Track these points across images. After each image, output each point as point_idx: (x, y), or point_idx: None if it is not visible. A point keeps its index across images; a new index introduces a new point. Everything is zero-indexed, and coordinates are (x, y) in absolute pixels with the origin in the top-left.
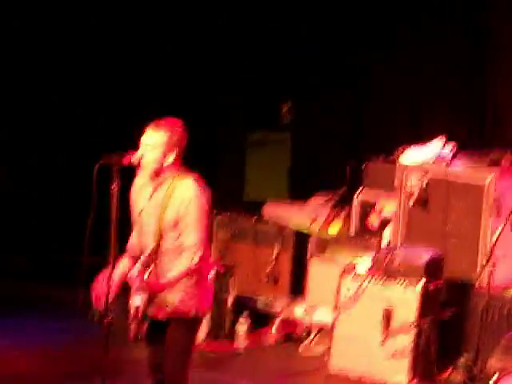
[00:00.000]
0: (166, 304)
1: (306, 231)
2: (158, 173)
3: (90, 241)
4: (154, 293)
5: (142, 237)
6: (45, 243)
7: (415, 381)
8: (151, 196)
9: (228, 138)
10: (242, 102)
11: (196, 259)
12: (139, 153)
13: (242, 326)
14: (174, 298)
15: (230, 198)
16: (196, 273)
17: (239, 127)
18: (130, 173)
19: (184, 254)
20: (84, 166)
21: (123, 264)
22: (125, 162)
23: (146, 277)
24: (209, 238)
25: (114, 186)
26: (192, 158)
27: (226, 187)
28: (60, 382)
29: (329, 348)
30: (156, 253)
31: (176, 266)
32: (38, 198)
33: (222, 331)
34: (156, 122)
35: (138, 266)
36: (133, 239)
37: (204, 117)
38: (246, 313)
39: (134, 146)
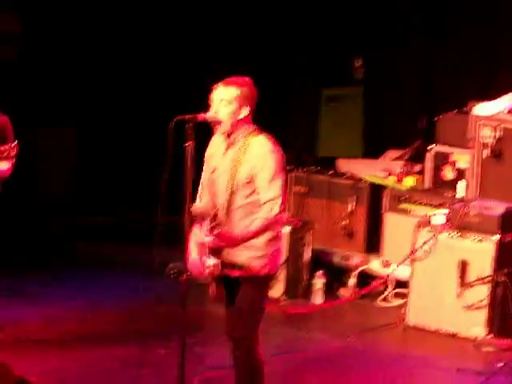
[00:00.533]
0: (237, 262)
1: (381, 183)
2: (232, 129)
3: (166, 200)
4: (229, 245)
5: (213, 195)
6: (120, 203)
7: (492, 334)
8: (225, 153)
9: (301, 95)
10: (315, 59)
11: (276, 210)
12: (213, 109)
13: (319, 280)
14: (245, 256)
15: (303, 154)
16: (271, 230)
17: (312, 84)
18: (204, 131)
19: (262, 207)
20: (158, 124)
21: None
22: (199, 118)
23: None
24: (285, 194)
25: (189, 144)
26: (266, 115)
27: (299, 143)
28: (137, 340)
29: (406, 301)
30: (227, 210)
31: (249, 222)
32: (110, 159)
33: (299, 285)
34: (225, 79)
35: (208, 224)
36: (199, 202)
37: (278, 74)
38: (322, 267)
39: (206, 104)
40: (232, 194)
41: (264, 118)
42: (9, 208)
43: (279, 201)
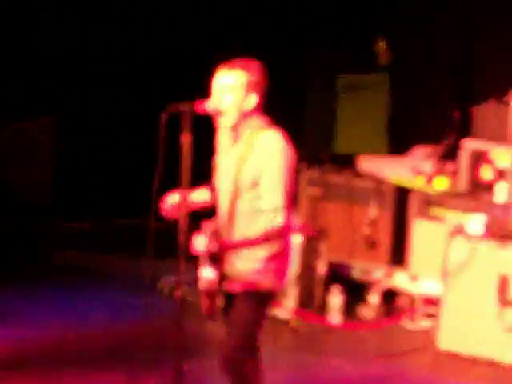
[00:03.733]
0: (238, 273)
1: (408, 185)
2: (238, 122)
3: (158, 203)
4: (225, 252)
5: (216, 197)
6: (108, 206)
7: None
8: (230, 150)
9: (316, 83)
10: (332, 41)
11: (276, 224)
12: (215, 97)
13: (336, 298)
14: (247, 267)
15: (319, 152)
16: (274, 242)
17: (329, 70)
18: (204, 123)
19: (263, 216)
20: (148, 114)
21: (202, 193)
22: (197, 109)
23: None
24: (292, 202)
25: (185, 138)
26: (275, 106)
27: (314, 139)
28: (125, 366)
29: (437, 322)
30: (230, 216)
31: (252, 230)
32: (93, 155)
33: (312, 303)
34: (230, 61)
35: (207, 231)
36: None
37: (289, 59)
38: (340, 282)
39: (206, 91)
40: (235, 197)
41: (273, 109)
42: None
43: (283, 210)
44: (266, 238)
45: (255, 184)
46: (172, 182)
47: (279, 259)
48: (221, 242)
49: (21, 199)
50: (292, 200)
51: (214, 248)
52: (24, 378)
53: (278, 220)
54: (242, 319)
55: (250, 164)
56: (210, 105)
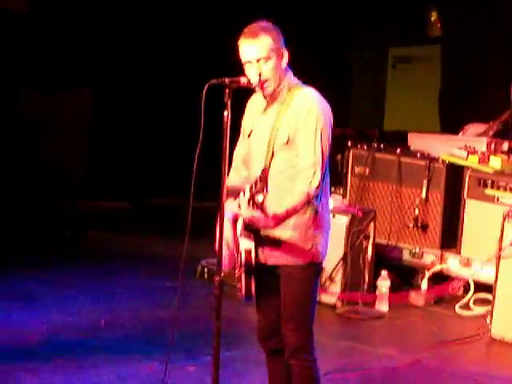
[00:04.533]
0: (275, 244)
1: (461, 164)
2: (279, 82)
3: (198, 182)
4: (264, 225)
5: (250, 160)
6: (146, 185)
7: None
8: (265, 111)
9: (364, 56)
10: (381, 12)
11: (315, 183)
12: (255, 72)
13: (384, 282)
14: (284, 236)
15: (366, 128)
16: (312, 205)
17: (377, 41)
18: (244, 98)
19: (299, 176)
20: (192, 91)
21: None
22: (241, 83)
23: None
24: (328, 160)
25: (227, 114)
26: (320, 80)
27: (362, 115)
28: (161, 353)
29: (490, 308)
30: (266, 177)
31: (289, 192)
32: (128, 134)
33: (359, 288)
34: (247, 31)
35: (244, 196)
36: (233, 176)
37: (335, 30)
38: (388, 267)
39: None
40: (272, 156)
41: (317, 83)
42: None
43: (320, 169)
44: (304, 203)
45: (291, 142)
46: (211, 160)
47: (318, 225)
48: (264, 215)
49: (55, 173)
50: (329, 158)
51: (248, 216)
52: (57, 363)
53: (317, 177)
54: (296, 300)
55: (286, 122)
56: (255, 80)
